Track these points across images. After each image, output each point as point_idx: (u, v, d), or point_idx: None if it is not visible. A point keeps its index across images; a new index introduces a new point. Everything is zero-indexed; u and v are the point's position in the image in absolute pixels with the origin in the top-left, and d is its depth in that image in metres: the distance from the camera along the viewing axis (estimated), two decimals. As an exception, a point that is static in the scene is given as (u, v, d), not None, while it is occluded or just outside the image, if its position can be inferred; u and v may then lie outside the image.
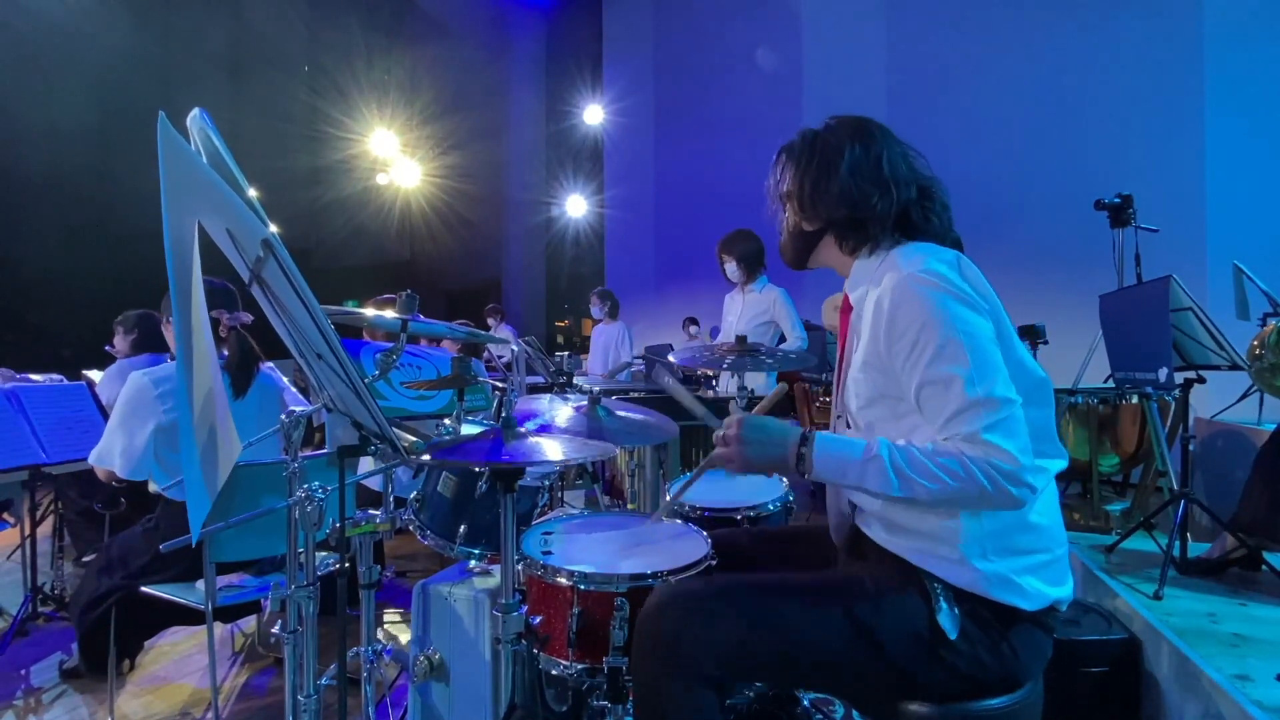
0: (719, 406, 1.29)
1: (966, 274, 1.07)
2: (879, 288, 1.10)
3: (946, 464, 0.96)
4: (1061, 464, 1.09)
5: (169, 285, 1.01)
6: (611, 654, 1.21)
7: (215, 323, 2.10)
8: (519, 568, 1.34)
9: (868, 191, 1.15)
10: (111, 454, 2.06)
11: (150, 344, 3.10)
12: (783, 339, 3.43)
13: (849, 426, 1.23)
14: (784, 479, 1.93)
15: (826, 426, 1.26)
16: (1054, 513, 1.10)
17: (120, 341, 3.17)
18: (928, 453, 0.98)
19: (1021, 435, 0.97)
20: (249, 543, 1.95)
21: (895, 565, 1.10)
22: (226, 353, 2.15)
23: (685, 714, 1.04)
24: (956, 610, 1.04)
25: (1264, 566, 1.94)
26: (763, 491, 1.85)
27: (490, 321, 7.78)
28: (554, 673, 1.28)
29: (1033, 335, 2.84)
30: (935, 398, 1.00)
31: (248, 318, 2.14)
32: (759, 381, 3.37)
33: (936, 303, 1.02)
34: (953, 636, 1.02)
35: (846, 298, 1.24)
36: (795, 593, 1.10)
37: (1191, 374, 2.06)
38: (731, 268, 3.42)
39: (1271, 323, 2.14)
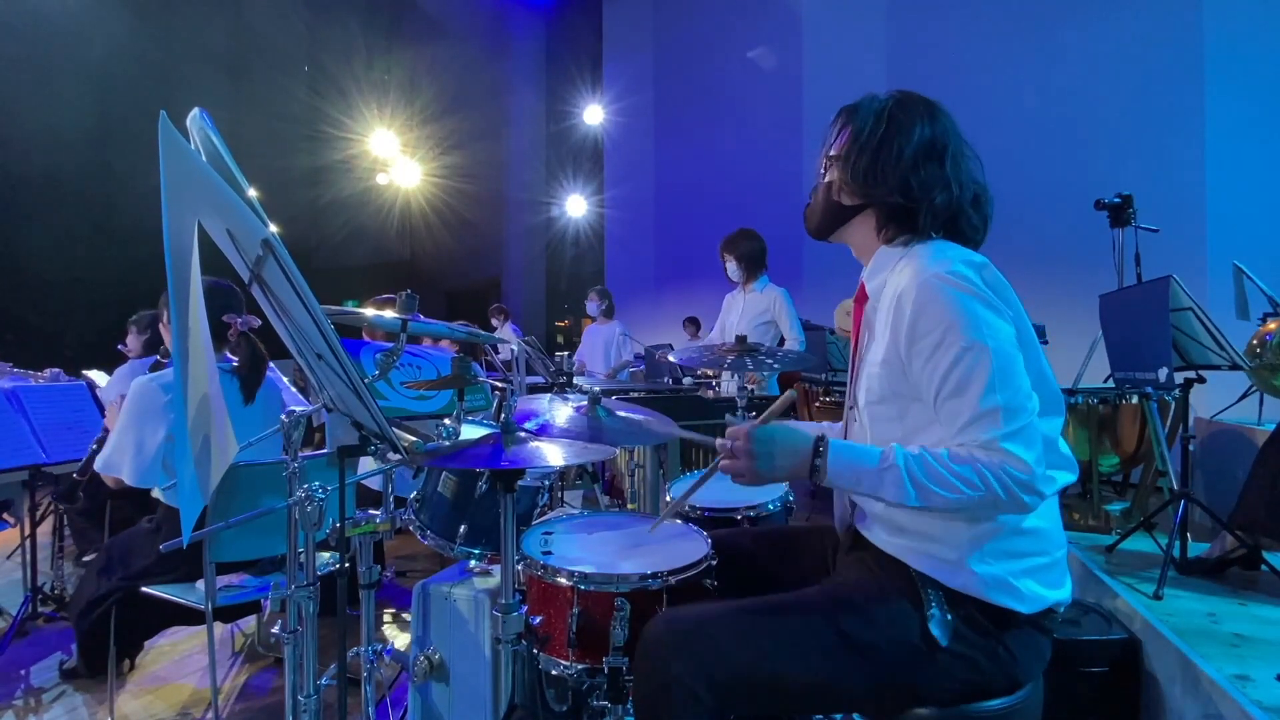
0: (721, 407, 1.27)
1: (991, 279, 1.04)
2: (898, 281, 1.07)
3: (962, 472, 0.95)
4: (1070, 477, 1.08)
5: (168, 285, 1.01)
6: (611, 654, 1.21)
7: (226, 327, 2.07)
8: (519, 568, 1.34)
9: (930, 183, 1.08)
10: (120, 462, 2.01)
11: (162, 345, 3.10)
12: (782, 340, 3.43)
13: (855, 421, 1.22)
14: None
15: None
16: (1053, 516, 1.10)
17: (133, 341, 3.16)
18: (943, 460, 0.96)
19: (1037, 445, 0.96)
20: (249, 543, 1.95)
21: (889, 569, 1.10)
22: (237, 359, 2.12)
23: None
24: (950, 616, 1.03)
25: (1264, 566, 1.94)
26: (763, 491, 1.85)
27: (495, 322, 7.77)
28: (554, 673, 1.28)
29: (1033, 335, 2.83)
30: (954, 401, 0.99)
31: (256, 321, 2.08)
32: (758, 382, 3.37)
33: (962, 306, 0.99)
34: (944, 644, 1.01)
35: (862, 286, 1.20)
36: (784, 614, 1.07)
37: (1191, 374, 2.06)
38: (732, 267, 3.43)
39: (1273, 320, 2.13)
